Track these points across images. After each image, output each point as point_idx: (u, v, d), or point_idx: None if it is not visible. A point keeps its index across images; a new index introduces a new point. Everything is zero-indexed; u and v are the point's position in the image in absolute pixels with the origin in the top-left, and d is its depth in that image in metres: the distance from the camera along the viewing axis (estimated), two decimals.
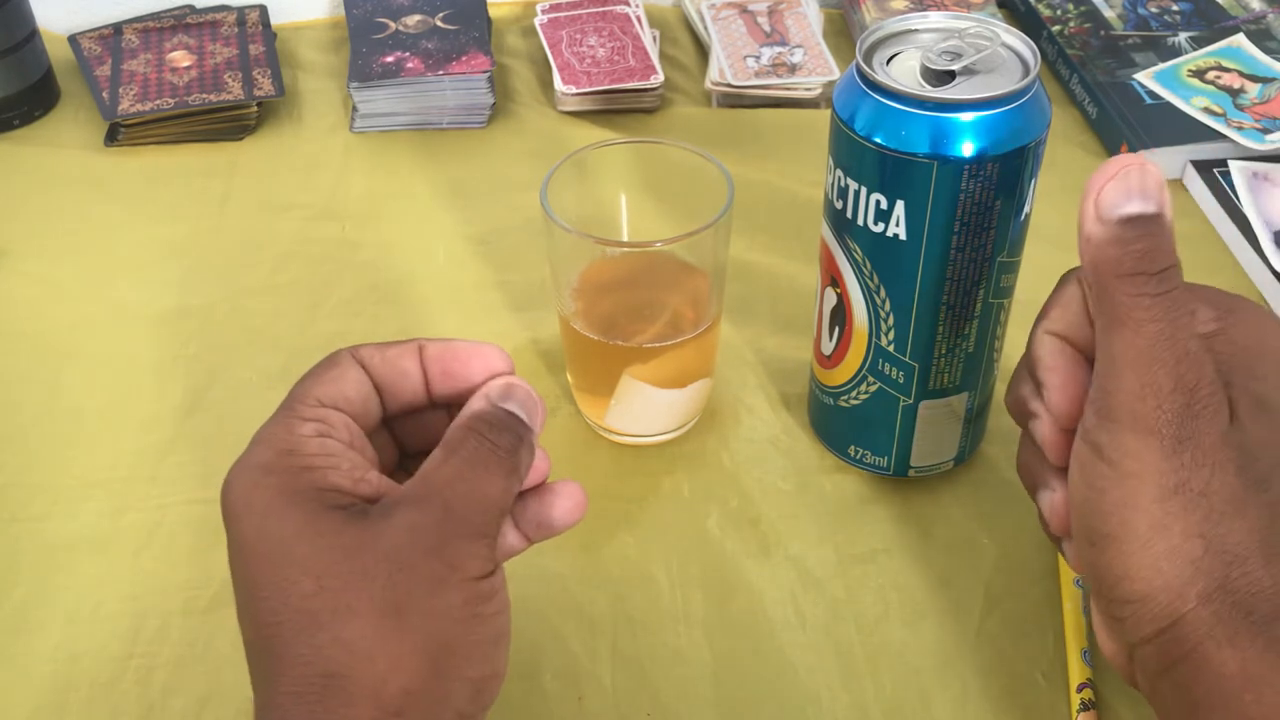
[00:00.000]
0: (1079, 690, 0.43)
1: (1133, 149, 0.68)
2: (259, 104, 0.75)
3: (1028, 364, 0.40)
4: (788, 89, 0.76)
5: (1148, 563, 0.33)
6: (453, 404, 0.37)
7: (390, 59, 0.76)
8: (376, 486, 0.34)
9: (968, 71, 0.43)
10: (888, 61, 0.44)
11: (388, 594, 0.31)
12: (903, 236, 0.44)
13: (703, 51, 0.82)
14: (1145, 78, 0.73)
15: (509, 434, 0.35)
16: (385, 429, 0.38)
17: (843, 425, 0.52)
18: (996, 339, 0.48)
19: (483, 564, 0.33)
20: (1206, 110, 0.70)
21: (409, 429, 0.38)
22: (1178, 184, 0.69)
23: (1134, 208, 0.33)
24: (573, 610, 0.47)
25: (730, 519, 0.51)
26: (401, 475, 0.38)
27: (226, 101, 0.74)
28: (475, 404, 0.36)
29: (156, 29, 0.81)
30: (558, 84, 0.74)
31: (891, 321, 0.46)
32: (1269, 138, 0.67)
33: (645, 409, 0.52)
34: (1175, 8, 0.79)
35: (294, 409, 0.35)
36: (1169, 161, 0.69)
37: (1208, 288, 0.38)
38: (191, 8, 0.84)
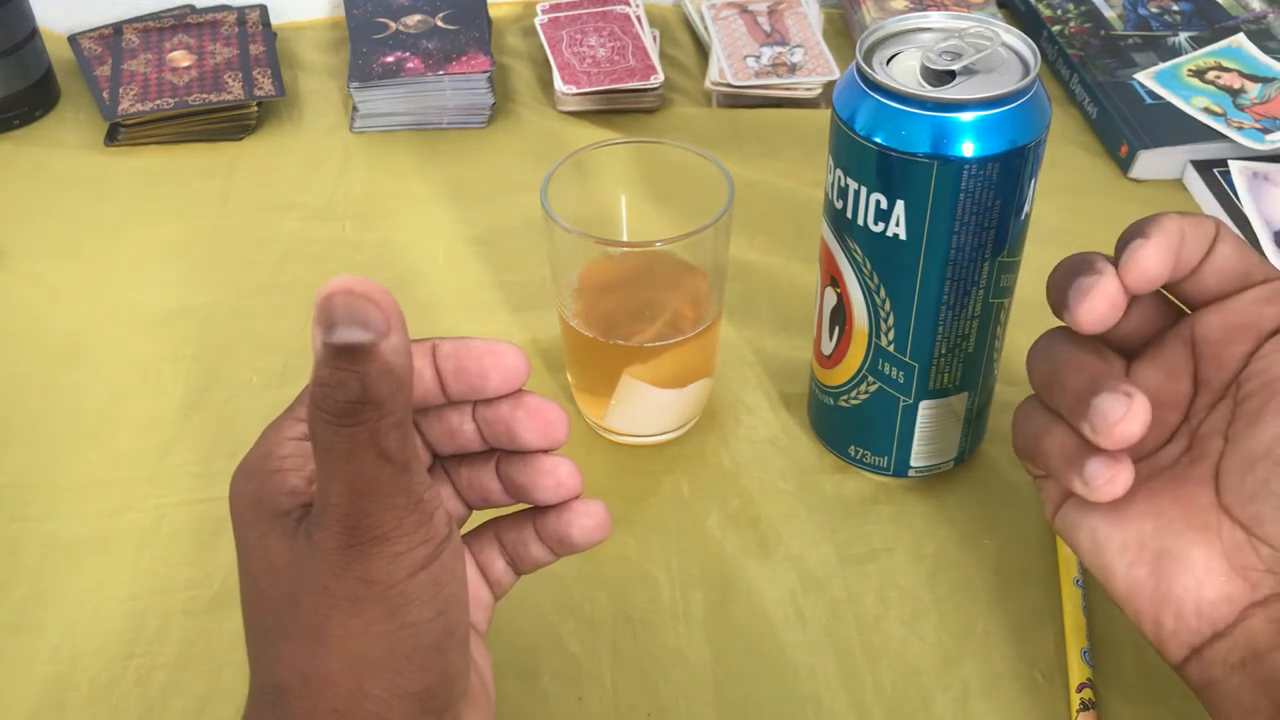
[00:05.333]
0: (1079, 690, 0.43)
1: (1133, 149, 0.68)
2: (259, 104, 0.75)
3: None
4: (788, 89, 0.76)
5: None
6: (473, 404, 0.37)
7: (390, 59, 0.76)
8: None
9: (968, 71, 0.43)
10: (888, 61, 0.44)
11: (310, 618, 0.31)
12: (903, 236, 0.44)
13: (703, 51, 0.82)
14: (1145, 78, 0.73)
15: (341, 390, 0.28)
16: (415, 431, 0.37)
17: (843, 425, 0.52)
18: (996, 339, 0.48)
19: (396, 567, 0.30)
20: (1206, 110, 0.70)
21: (435, 431, 0.38)
22: (1178, 184, 0.69)
23: None
24: (572, 610, 0.47)
25: (730, 519, 0.51)
26: (442, 478, 0.38)
27: (226, 101, 0.74)
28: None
29: (156, 29, 0.81)
30: (558, 84, 0.74)
31: (891, 321, 0.46)
32: (1269, 138, 0.67)
33: (645, 409, 0.52)
34: (1175, 8, 0.79)
35: (292, 410, 0.35)
36: (1169, 161, 0.69)
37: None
38: (191, 8, 0.84)
